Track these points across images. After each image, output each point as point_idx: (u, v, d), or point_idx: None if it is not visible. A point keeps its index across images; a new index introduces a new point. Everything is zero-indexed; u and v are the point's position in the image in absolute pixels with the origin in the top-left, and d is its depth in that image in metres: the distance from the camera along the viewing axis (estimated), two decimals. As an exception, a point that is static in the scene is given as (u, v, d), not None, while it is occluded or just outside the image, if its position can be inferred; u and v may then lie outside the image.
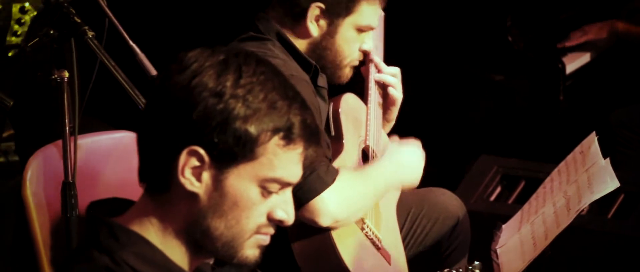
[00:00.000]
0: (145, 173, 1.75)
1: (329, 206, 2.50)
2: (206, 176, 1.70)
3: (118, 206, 1.79)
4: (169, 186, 1.72)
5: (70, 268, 1.72)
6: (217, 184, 1.71)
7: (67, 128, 2.44)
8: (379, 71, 2.93)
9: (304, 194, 2.47)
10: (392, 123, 3.04)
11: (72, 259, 1.73)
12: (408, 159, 2.80)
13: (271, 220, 1.77)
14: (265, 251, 2.55)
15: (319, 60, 2.77)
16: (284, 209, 1.77)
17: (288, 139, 1.71)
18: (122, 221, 1.75)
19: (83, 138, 2.63)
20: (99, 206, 1.81)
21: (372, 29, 2.80)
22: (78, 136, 2.48)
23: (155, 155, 1.72)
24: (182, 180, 1.70)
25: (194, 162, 1.69)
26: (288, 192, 1.77)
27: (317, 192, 2.49)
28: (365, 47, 2.81)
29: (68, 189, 2.40)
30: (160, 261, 1.72)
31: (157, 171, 1.72)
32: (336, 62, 2.78)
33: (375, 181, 2.68)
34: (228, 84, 1.68)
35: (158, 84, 1.74)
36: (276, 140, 1.71)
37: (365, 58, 2.91)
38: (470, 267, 2.21)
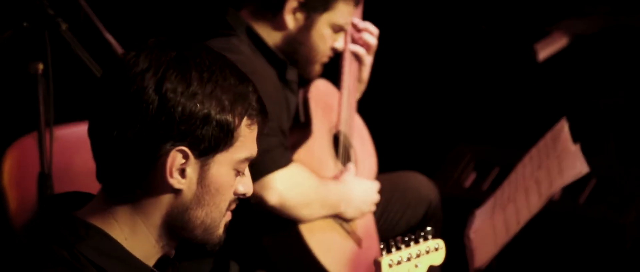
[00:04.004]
0: (113, 176, 1.77)
1: (278, 185, 2.54)
2: (190, 170, 1.76)
3: (78, 199, 1.82)
4: (145, 185, 1.75)
5: (30, 262, 1.73)
6: (201, 176, 1.77)
7: (42, 120, 2.45)
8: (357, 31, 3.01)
9: (256, 171, 2.51)
10: (365, 83, 3.10)
11: (32, 253, 1.74)
12: (364, 196, 2.82)
13: (235, 195, 1.84)
14: (239, 247, 2.60)
15: (292, 54, 2.80)
16: (244, 182, 1.84)
17: (251, 118, 1.80)
18: (81, 214, 1.77)
19: (59, 129, 2.64)
20: (58, 199, 1.82)
21: (344, 30, 2.85)
22: (54, 127, 2.49)
23: (131, 160, 1.74)
24: (170, 180, 1.74)
25: (180, 160, 1.74)
26: (246, 166, 1.86)
27: (269, 171, 2.54)
28: (338, 45, 2.86)
29: (43, 180, 2.40)
30: (118, 254, 1.75)
31: (131, 174, 1.75)
32: (309, 57, 2.82)
33: (329, 190, 2.71)
34: (195, 83, 1.73)
35: (116, 93, 1.74)
36: (245, 121, 1.79)
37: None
38: (422, 233, 2.24)
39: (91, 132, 1.78)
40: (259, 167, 2.53)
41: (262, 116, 1.82)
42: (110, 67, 1.78)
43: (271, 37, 2.79)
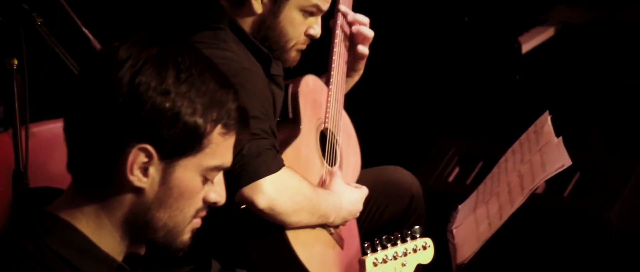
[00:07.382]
0: (80, 167, 1.75)
1: (268, 189, 2.51)
2: (153, 170, 1.73)
3: (50, 195, 1.80)
4: (109, 180, 1.73)
5: None
6: (164, 178, 1.74)
7: (17, 116, 2.42)
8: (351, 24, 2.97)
9: (247, 175, 2.49)
10: (361, 73, 3.07)
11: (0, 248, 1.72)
12: (352, 206, 2.79)
13: (205, 203, 1.81)
14: (222, 249, 2.58)
15: (264, 42, 2.74)
16: (216, 191, 1.81)
17: (227, 127, 1.76)
18: (51, 208, 1.76)
19: (36, 126, 2.61)
20: (30, 194, 1.81)
21: (320, 11, 2.77)
22: (31, 124, 2.46)
23: (96, 152, 1.72)
24: (131, 177, 1.72)
25: (142, 158, 1.71)
26: (221, 175, 1.82)
27: (260, 175, 2.50)
28: (313, 32, 2.78)
29: (18, 177, 2.38)
30: (86, 247, 1.73)
31: (96, 167, 1.73)
32: (281, 44, 2.76)
33: (320, 200, 2.68)
34: (170, 81, 1.70)
35: (91, 79, 1.73)
36: (218, 129, 1.75)
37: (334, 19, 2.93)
38: (410, 232, 2.22)
39: (65, 121, 1.76)
40: (251, 171, 2.50)
41: (240, 126, 1.78)
42: (91, 57, 1.77)
43: (246, 24, 2.72)
